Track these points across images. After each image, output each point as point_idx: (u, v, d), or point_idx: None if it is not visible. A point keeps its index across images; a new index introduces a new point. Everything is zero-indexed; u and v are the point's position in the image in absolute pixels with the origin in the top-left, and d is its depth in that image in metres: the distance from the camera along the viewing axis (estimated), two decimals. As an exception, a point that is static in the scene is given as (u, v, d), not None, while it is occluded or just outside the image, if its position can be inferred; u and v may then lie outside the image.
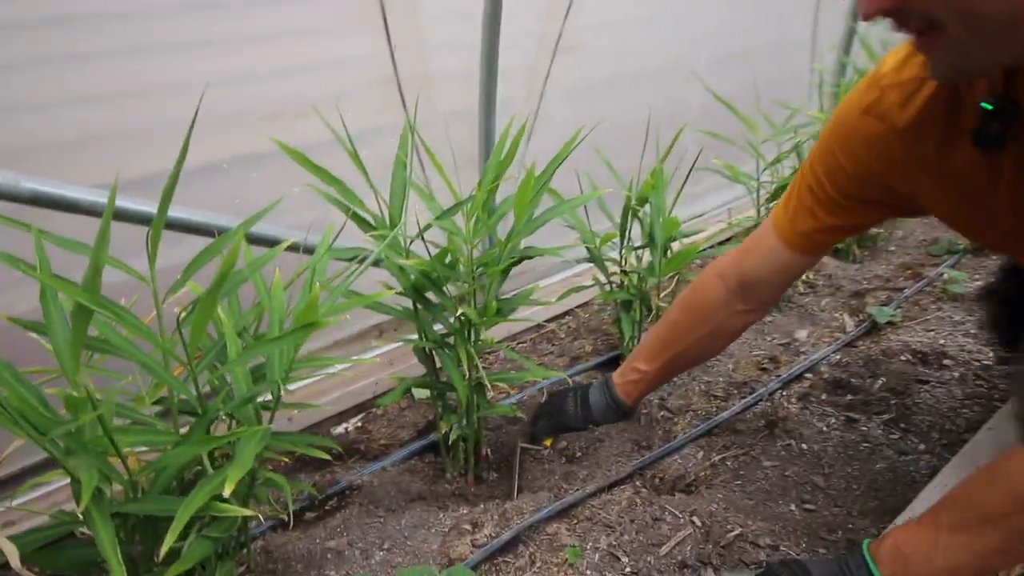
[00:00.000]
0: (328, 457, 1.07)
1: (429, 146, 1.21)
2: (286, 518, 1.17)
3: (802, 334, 1.77)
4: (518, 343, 1.86)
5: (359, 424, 1.56)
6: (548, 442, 1.41)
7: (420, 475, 1.35)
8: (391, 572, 1.06)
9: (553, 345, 1.85)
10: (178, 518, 0.78)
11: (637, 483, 1.23)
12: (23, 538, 0.84)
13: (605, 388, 1.39)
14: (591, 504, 1.17)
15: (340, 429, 1.55)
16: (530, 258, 1.27)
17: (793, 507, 1.19)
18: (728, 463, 1.30)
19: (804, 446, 1.33)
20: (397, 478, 1.33)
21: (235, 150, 1.41)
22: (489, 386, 1.27)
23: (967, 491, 0.86)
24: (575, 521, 1.14)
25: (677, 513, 1.12)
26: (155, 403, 1.05)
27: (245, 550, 1.13)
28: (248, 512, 0.85)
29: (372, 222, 1.20)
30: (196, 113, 0.82)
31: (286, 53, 1.42)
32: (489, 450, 1.43)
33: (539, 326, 1.92)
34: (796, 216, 1.08)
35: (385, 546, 1.12)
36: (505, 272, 1.27)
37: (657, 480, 1.25)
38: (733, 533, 1.07)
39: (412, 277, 1.19)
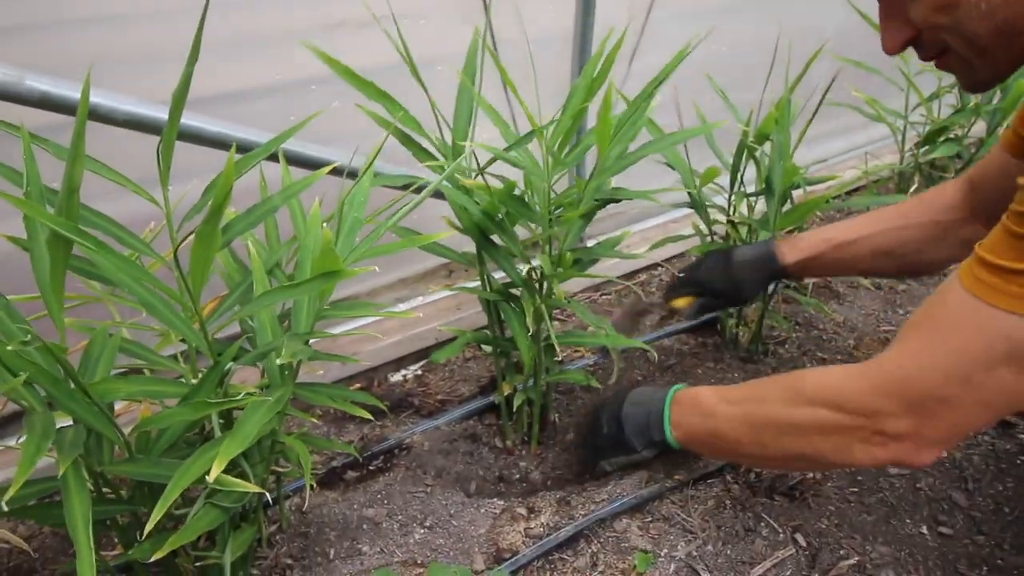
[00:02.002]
0: (369, 416, 0.93)
1: (513, 71, 1.00)
2: (313, 486, 1.06)
3: (943, 309, 1.48)
4: (601, 295, 1.66)
5: (418, 372, 1.42)
6: (683, 302, 1.26)
7: (476, 440, 1.20)
8: (428, 556, 0.92)
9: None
10: (167, 492, 0.65)
11: (728, 478, 1.03)
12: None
13: (765, 244, 1.20)
14: (670, 499, 0.98)
15: (398, 376, 1.41)
16: (617, 201, 1.05)
17: (924, 529, 0.96)
18: (843, 464, 1.07)
19: (943, 452, 1.09)
20: (451, 440, 1.18)
21: (299, 68, 1.25)
22: (559, 347, 1.09)
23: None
24: (649, 519, 0.96)
25: (776, 526, 0.92)
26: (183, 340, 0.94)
27: (278, 507, 1.03)
28: (253, 488, 0.72)
29: (430, 149, 1.02)
30: (202, 28, 0.65)
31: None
32: (558, 416, 1.26)
33: (627, 276, 1.71)
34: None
35: (427, 523, 0.98)
36: (586, 216, 1.07)
37: (753, 477, 1.04)
38: (848, 562, 0.87)
39: (474, 216, 1.00)
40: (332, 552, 0.96)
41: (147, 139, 1.00)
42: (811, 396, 0.79)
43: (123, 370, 0.87)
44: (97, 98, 0.88)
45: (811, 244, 1.15)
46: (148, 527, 0.65)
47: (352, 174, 1.02)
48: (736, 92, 1.44)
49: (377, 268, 0.72)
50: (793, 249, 1.16)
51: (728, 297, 1.24)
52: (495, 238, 1.04)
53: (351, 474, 1.12)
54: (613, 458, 1.01)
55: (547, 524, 0.95)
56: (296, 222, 0.93)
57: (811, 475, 1.04)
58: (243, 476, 0.83)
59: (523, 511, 0.98)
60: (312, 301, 0.81)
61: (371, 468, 1.13)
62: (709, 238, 1.39)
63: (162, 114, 0.98)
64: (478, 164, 1.00)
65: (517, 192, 1.01)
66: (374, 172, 0.89)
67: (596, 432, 1.03)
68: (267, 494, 0.88)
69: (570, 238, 1.04)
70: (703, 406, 0.92)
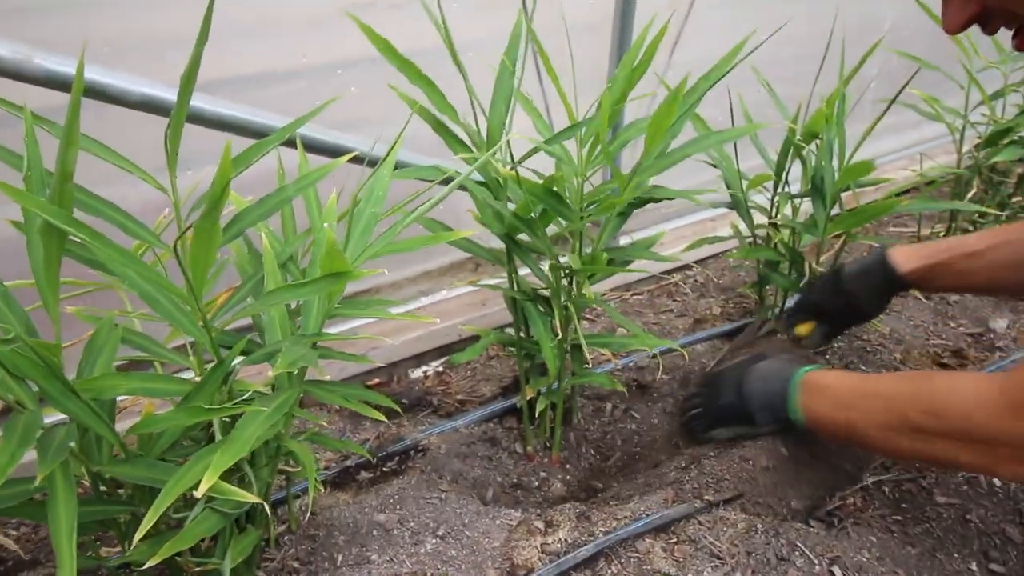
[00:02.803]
0: (383, 418, 0.89)
1: (550, 58, 0.94)
2: (320, 489, 1.02)
3: (1000, 324, 1.38)
4: (632, 294, 1.60)
5: (439, 369, 1.38)
6: (805, 328, 1.21)
7: (496, 444, 1.15)
8: (439, 569, 0.88)
9: (674, 301, 1.57)
10: (158, 502, 0.61)
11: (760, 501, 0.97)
12: (3, 490, 0.70)
13: (877, 253, 1.15)
14: (698, 520, 0.92)
15: (418, 373, 1.37)
16: (656, 200, 0.99)
17: (974, 566, 0.89)
18: (886, 489, 1.00)
19: (996, 481, 1.01)
20: (469, 443, 1.13)
21: (324, 52, 1.21)
22: (587, 349, 1.04)
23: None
24: (674, 540, 0.90)
25: (811, 556, 0.86)
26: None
27: (287, 506, 0.99)
28: (252, 498, 0.68)
29: (463, 139, 0.96)
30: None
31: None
32: (581, 420, 1.20)
33: (659, 276, 1.64)
34: None
35: (440, 532, 0.94)
36: (623, 214, 1.01)
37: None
38: (891, 603, 0.80)
39: (506, 218, 0.95)
40: (340, 558, 0.92)
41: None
42: (953, 411, 0.77)
43: (125, 362, 0.84)
44: (109, 79, 0.84)
45: (935, 251, 1.08)
46: (137, 536, 0.61)
47: (374, 163, 0.97)
48: (783, 86, 1.36)
49: (386, 271, 0.67)
50: (911, 257, 1.10)
51: (846, 316, 1.21)
52: (525, 236, 0.99)
53: (364, 475, 1.08)
54: (733, 427, 1.01)
55: (565, 540, 0.90)
56: (312, 214, 0.88)
57: (851, 500, 0.98)
58: (246, 480, 0.79)
59: (540, 525, 0.93)
60: (321, 300, 0.76)
61: (385, 470, 1.09)
62: (751, 241, 1.32)
63: (166, 95, 0.94)
64: (512, 157, 0.95)
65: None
66: (395, 164, 0.83)
67: (712, 400, 1.02)
68: (274, 495, 0.84)
69: (605, 236, 0.98)
70: (838, 397, 0.91)
